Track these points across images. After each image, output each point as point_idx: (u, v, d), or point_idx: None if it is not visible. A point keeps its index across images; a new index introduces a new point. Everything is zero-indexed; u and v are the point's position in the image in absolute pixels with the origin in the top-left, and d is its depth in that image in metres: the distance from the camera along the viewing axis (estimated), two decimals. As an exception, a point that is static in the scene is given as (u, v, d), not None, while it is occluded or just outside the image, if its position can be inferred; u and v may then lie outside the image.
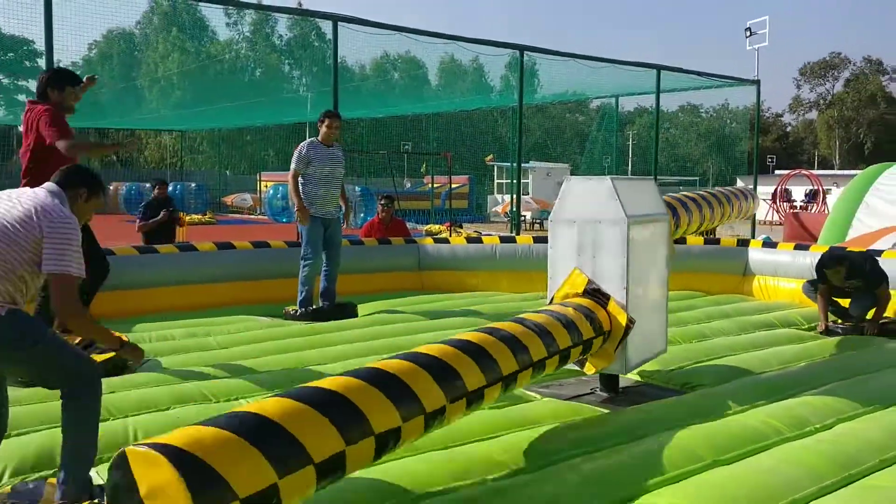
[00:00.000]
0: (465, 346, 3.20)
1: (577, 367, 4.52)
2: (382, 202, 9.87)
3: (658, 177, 17.09)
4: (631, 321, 4.26)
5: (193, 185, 33.40)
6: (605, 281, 4.36)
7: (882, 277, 6.73)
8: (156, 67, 28.26)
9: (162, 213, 9.45)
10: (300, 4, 40.17)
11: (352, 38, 11.86)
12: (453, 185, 28.59)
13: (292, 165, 7.01)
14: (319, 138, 7.10)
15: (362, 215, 22.06)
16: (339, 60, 10.51)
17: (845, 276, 6.67)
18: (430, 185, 28.98)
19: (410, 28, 11.83)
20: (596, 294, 4.33)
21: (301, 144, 7.11)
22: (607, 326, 4.24)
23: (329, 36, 10.54)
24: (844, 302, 7.05)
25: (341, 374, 2.71)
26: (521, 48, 12.97)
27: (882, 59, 73.74)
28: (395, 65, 24.72)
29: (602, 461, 3.41)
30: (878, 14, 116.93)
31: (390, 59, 24.29)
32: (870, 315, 6.76)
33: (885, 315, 6.83)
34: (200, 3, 11.82)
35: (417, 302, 7.90)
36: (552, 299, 4.45)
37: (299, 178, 6.98)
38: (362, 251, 8.67)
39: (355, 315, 7.04)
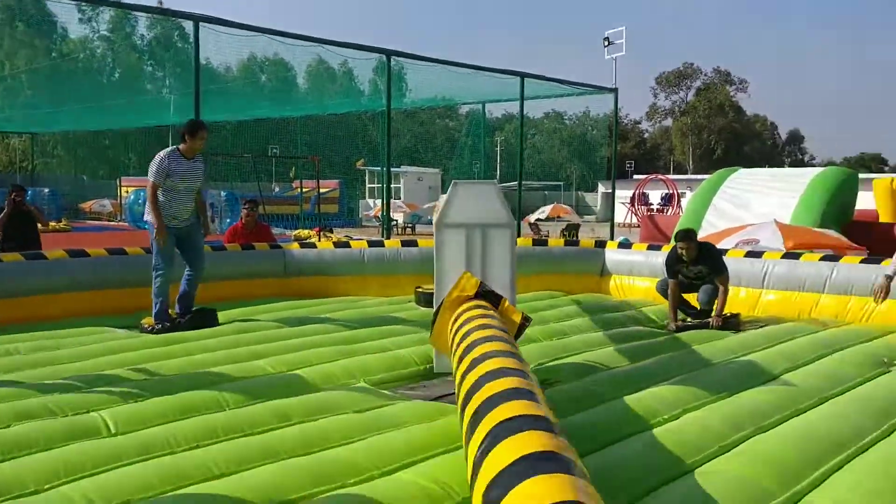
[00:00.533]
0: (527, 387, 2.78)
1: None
2: (246, 207, 9.68)
3: (524, 182, 17.53)
4: (526, 319, 4.33)
5: (47, 190, 31.58)
6: (494, 282, 4.45)
7: (725, 268, 7.25)
8: (1, 65, 26.57)
9: (6, 201, 8.86)
10: (161, 3, 38.74)
11: (216, 40, 11.58)
12: (324, 190, 28.34)
13: (151, 178, 6.60)
14: (182, 149, 6.74)
15: (227, 220, 21.52)
16: (203, 62, 10.24)
17: (693, 259, 7.15)
18: (299, 190, 28.59)
19: (275, 30, 11.65)
20: (488, 295, 4.39)
21: (161, 155, 6.69)
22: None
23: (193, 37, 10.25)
24: (693, 300, 7.50)
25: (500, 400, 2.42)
26: (388, 52, 13.03)
27: (730, 70, 78.63)
28: (263, 67, 24.27)
29: (462, 457, 3.47)
30: (726, 27, 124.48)
31: (258, 62, 23.82)
32: (715, 311, 7.21)
33: (732, 312, 7.33)
34: (49, -1, 11.22)
35: (282, 308, 7.77)
36: (442, 303, 4.46)
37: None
38: (225, 257, 8.45)
39: (216, 323, 6.85)
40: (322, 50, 13.64)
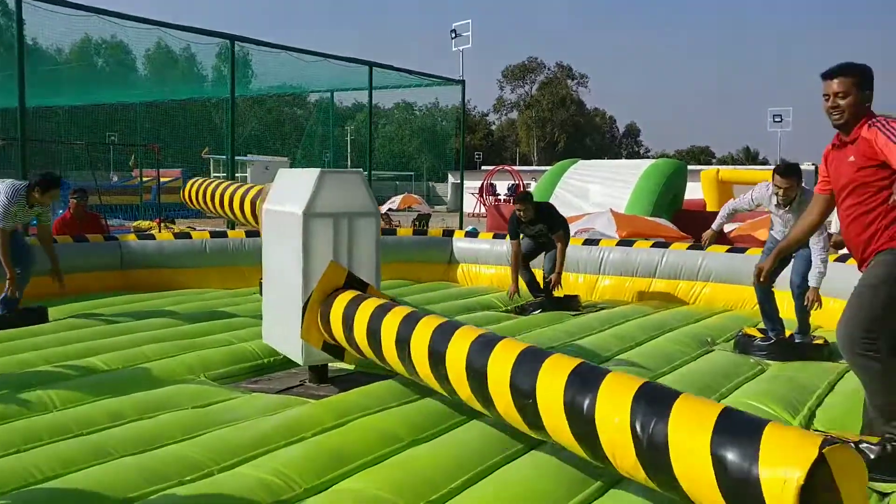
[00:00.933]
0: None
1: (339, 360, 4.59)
2: (75, 196, 9.14)
3: (375, 171, 17.51)
4: (394, 302, 4.33)
5: None
6: (361, 270, 4.48)
7: (561, 223, 7.58)
8: None
9: None
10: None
11: (44, 18, 10.82)
12: (165, 179, 27.19)
13: None
14: (31, 196, 6.29)
15: (60, 211, 20.25)
16: (30, 42, 9.55)
17: (531, 218, 7.45)
18: (139, 179, 27.29)
19: (111, 11, 11.01)
20: (355, 284, 4.37)
21: (8, 198, 6.18)
22: None
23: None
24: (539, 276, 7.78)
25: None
26: (232, 38, 12.66)
27: (572, 65, 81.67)
28: (99, 50, 22.94)
29: (304, 448, 3.45)
30: (569, 23, 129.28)
31: (93, 44, 22.49)
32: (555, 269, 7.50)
33: (571, 294, 7.65)
34: None
35: (119, 302, 7.41)
36: (311, 294, 4.37)
37: None
38: (56, 250, 7.91)
39: (46, 320, 6.44)
40: (163, 33, 13.06)
